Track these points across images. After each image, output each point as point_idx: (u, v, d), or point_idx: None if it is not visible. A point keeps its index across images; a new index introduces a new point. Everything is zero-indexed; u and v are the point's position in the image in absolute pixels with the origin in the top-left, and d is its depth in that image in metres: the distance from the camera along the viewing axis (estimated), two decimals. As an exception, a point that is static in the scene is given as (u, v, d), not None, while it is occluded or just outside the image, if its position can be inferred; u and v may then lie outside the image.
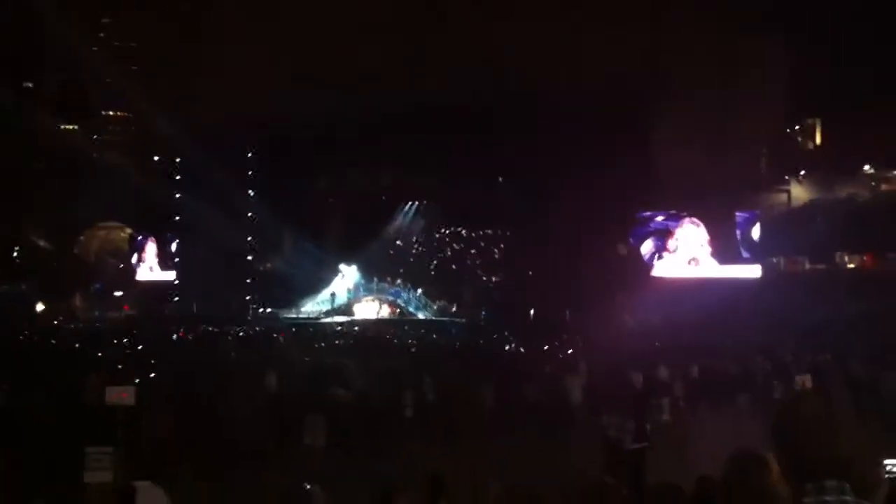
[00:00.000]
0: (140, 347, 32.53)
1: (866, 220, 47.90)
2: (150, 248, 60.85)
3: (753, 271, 48.51)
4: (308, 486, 7.98)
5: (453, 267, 62.35)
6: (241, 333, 43.34)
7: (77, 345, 33.13)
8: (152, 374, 20.99)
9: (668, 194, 50.78)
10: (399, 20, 55.85)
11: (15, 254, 59.69)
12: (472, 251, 62.56)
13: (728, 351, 29.86)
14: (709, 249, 49.33)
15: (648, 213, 51.11)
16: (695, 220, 49.77)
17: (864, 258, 47.88)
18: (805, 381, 19.15)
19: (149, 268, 60.83)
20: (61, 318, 54.32)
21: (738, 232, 49.76)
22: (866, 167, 58.21)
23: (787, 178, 59.01)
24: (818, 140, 61.94)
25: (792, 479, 2.55)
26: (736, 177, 54.12)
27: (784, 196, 58.32)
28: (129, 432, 14.47)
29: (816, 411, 2.57)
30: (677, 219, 50.11)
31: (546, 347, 35.43)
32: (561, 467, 12.38)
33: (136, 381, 16.31)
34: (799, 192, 58.13)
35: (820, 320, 35.90)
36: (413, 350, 34.19)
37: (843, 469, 2.51)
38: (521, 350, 35.80)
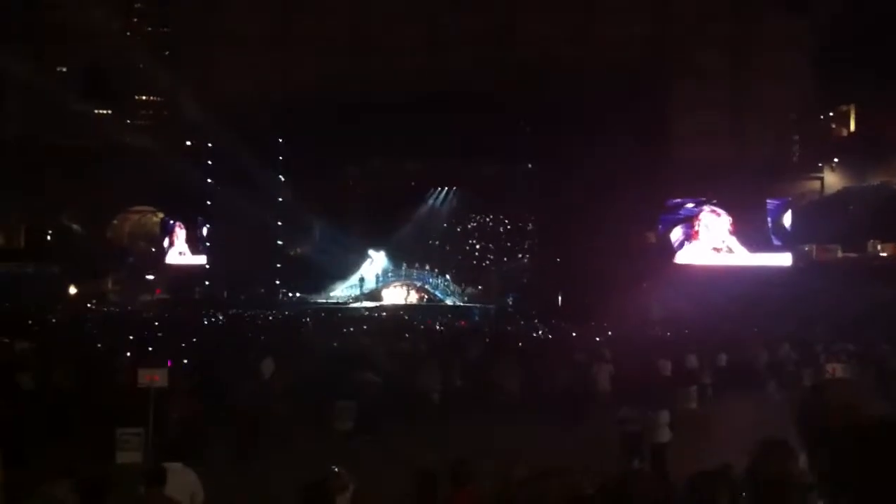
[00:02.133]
0: (171, 330, 32.81)
1: (900, 208, 47.30)
2: (181, 232, 61.26)
3: (784, 259, 48.11)
4: (336, 469, 8.08)
5: (481, 252, 62.35)
6: (270, 317, 43.61)
7: (109, 327, 33.45)
8: (183, 357, 21.13)
9: (697, 181, 50.46)
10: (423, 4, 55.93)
11: (48, 237, 60.35)
12: (500, 236, 62.51)
13: (757, 339, 29.66)
14: (733, 239, 49.01)
15: (678, 201, 50.83)
16: (715, 208, 49.48)
17: (897, 246, 47.35)
18: (835, 369, 19.03)
19: (178, 252, 61.24)
20: (93, 301, 54.94)
21: (769, 219, 49.36)
22: (901, 154, 57.50)
23: (820, 165, 58.35)
24: (852, 127, 61.19)
25: (816, 467, 2.54)
26: (768, 163, 53.64)
27: (817, 183, 57.72)
28: (160, 414, 14.65)
29: (842, 398, 2.56)
30: (701, 206, 49.87)
31: (574, 334, 35.39)
32: (589, 454, 12.37)
33: (168, 363, 16.43)
34: (832, 180, 57.49)
35: (851, 309, 35.59)
36: (441, 335, 34.23)
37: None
38: (549, 336, 35.79)
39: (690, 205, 50.35)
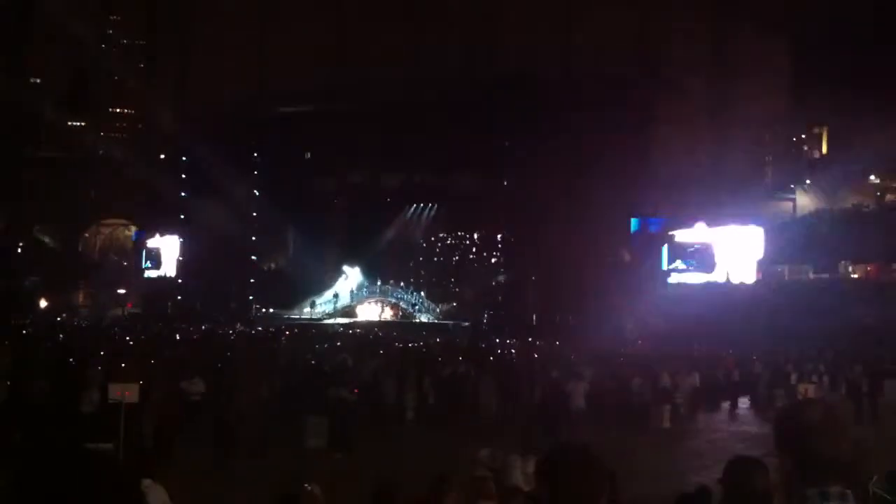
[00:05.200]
0: (142, 345, 32.48)
1: (871, 230, 47.77)
2: (154, 246, 60.80)
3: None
4: (308, 487, 8.01)
5: (456, 269, 62.32)
6: (233, 333, 43.20)
7: (79, 341, 33.08)
8: (154, 372, 20.91)
9: (672, 199, 50.75)
10: (404, 17, 56.09)
11: (19, 249, 59.81)
12: (476, 253, 62.54)
13: (729, 359, 29.84)
14: (703, 255, 49.19)
15: (651, 219, 51.07)
16: (689, 225, 49.68)
17: (868, 268, 47.71)
18: (807, 389, 19.18)
19: (152, 265, 60.74)
20: (64, 314, 54.40)
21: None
22: (872, 177, 58.16)
23: (792, 186, 58.90)
24: (825, 149, 61.85)
25: (794, 485, 2.55)
26: (741, 183, 54.10)
27: (789, 204, 58.21)
28: (130, 429, 14.47)
29: (819, 417, 2.57)
30: (672, 222, 50.05)
31: (548, 351, 35.40)
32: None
33: (139, 379, 16.24)
34: (804, 201, 58.01)
35: (822, 329, 35.89)
36: (415, 352, 34.10)
37: (845, 476, 2.52)
38: (524, 353, 35.74)
39: (661, 220, 50.53)
